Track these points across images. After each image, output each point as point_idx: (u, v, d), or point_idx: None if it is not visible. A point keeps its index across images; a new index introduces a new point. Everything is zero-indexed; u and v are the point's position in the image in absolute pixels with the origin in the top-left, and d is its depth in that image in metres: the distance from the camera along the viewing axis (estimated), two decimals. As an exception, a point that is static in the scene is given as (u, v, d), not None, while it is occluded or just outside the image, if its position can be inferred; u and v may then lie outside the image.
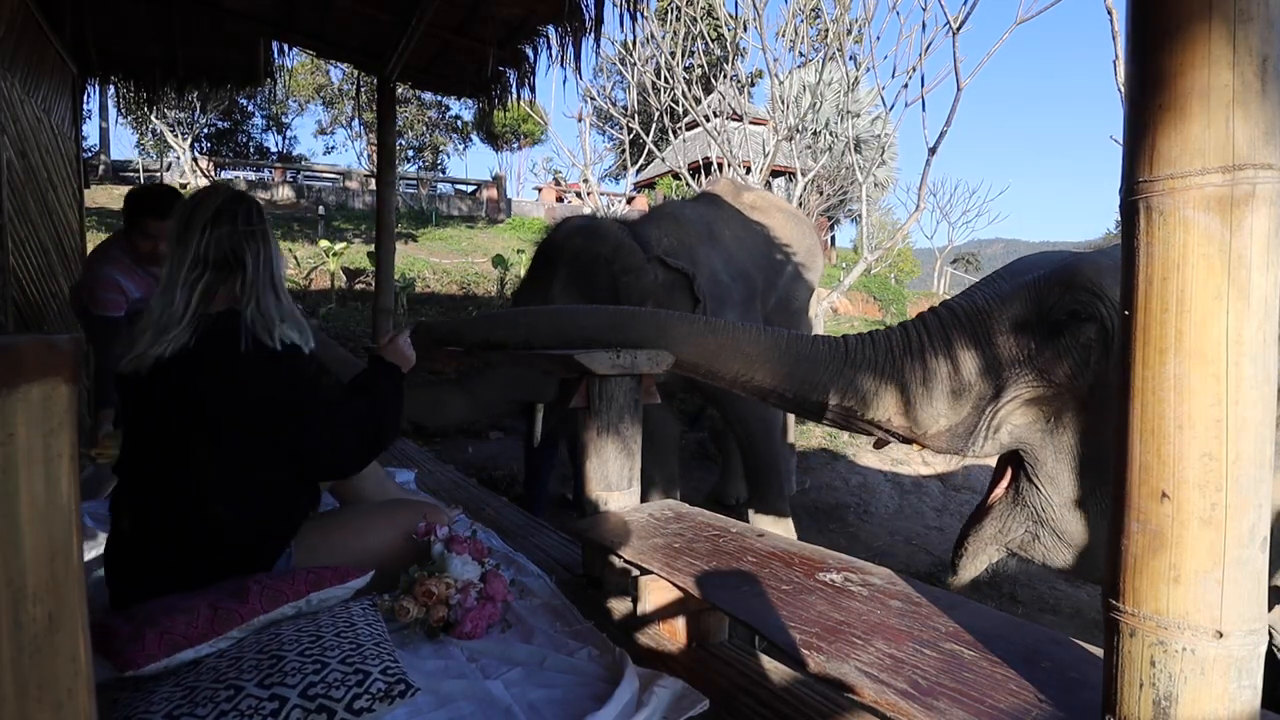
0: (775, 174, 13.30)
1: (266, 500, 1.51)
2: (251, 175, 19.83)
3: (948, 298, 1.88)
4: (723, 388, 1.91)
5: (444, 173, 25.01)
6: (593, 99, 12.86)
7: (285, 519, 1.56)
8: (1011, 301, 1.70)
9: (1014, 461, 1.76)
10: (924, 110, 7.15)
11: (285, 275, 1.59)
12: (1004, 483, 1.80)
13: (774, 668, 1.52)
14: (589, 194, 13.41)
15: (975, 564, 1.83)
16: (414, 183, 20.99)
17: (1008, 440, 1.70)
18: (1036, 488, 1.68)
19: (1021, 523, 1.73)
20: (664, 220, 3.51)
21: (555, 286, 3.13)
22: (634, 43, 10.57)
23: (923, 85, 7.25)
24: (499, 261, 12.33)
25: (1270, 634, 1.51)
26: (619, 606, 1.83)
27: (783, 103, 9.37)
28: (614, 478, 1.92)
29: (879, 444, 1.95)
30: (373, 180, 12.89)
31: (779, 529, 3.63)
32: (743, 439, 3.72)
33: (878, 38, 8.68)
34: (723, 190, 4.16)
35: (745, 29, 10.30)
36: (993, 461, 1.88)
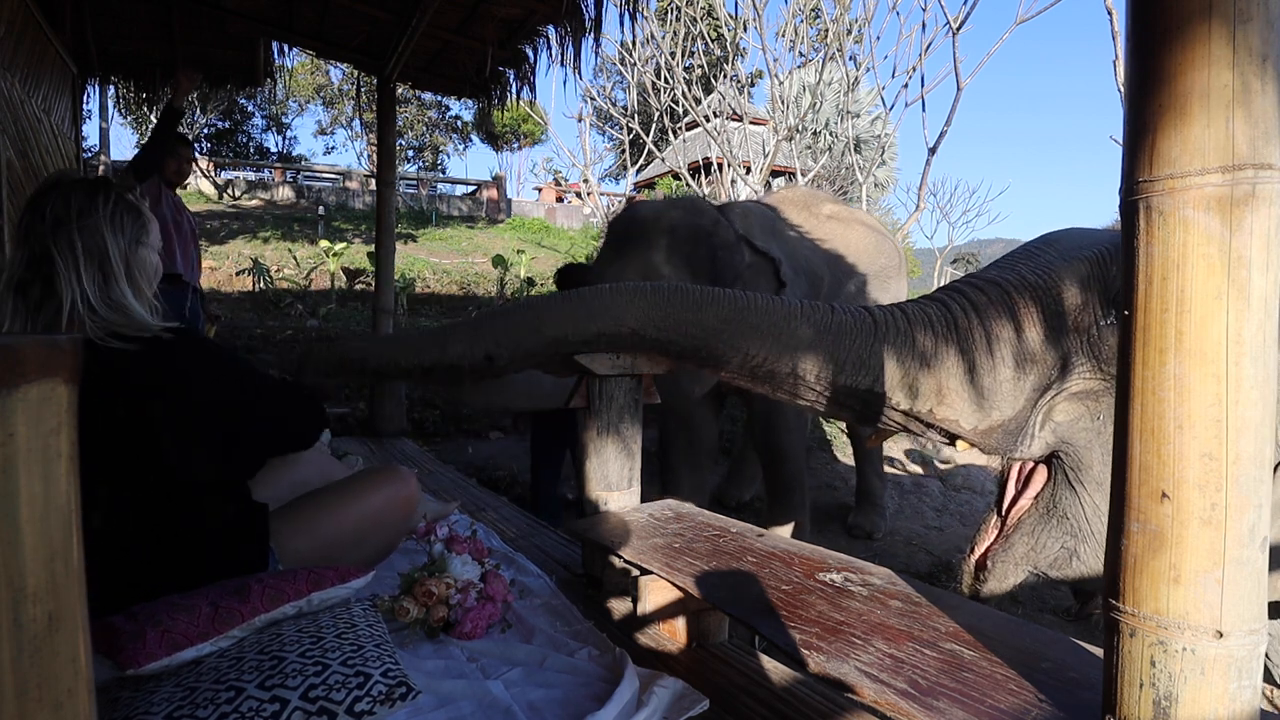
0: (775, 174, 13.31)
1: (219, 500, 1.47)
2: (251, 175, 19.82)
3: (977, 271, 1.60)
4: (732, 380, 1.59)
5: (444, 173, 25.01)
6: (593, 99, 12.87)
7: (256, 517, 1.53)
8: (1068, 278, 1.45)
9: (1043, 465, 1.55)
10: (924, 110, 7.19)
11: (148, 259, 1.40)
12: (1032, 491, 1.57)
13: (774, 668, 1.52)
14: (589, 194, 13.41)
15: (1002, 587, 1.60)
16: (414, 183, 20.99)
17: (1052, 440, 1.48)
18: (1080, 496, 1.47)
19: (1058, 538, 1.51)
20: (733, 208, 3.48)
21: (656, 257, 3.03)
22: (634, 43, 10.58)
23: (923, 85, 7.27)
24: (499, 261, 12.33)
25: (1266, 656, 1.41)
26: (619, 606, 1.83)
27: (783, 103, 9.38)
28: (614, 478, 1.92)
29: (878, 437, 1.70)
30: (373, 180, 12.90)
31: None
32: (767, 442, 3.62)
33: (878, 38, 8.71)
34: (795, 197, 4.08)
35: (745, 29, 10.31)
36: (982, 458, 1.68)
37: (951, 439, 1.53)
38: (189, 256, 3.69)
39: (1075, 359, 1.44)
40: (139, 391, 1.32)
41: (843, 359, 1.45)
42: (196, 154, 3.97)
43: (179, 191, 3.86)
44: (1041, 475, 1.55)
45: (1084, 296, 1.44)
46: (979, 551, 1.64)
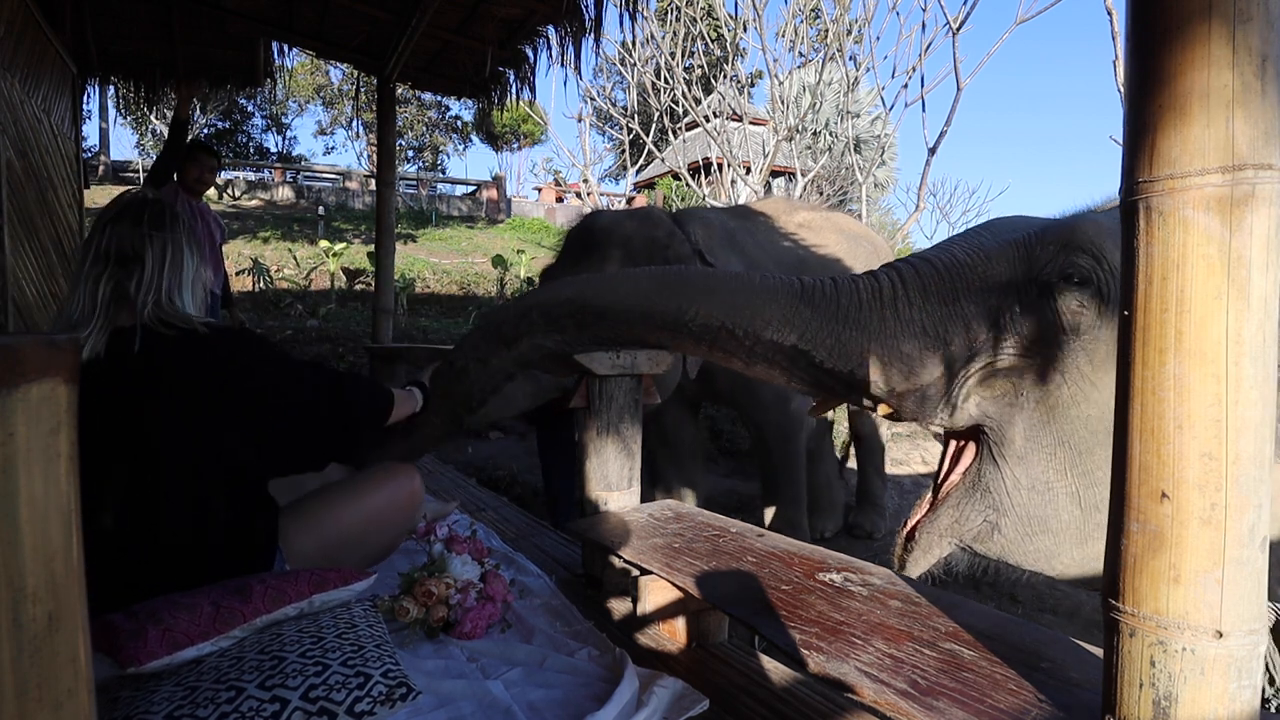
0: (775, 174, 13.31)
1: (235, 497, 1.48)
2: (251, 175, 19.84)
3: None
4: (677, 346, 1.68)
5: (444, 173, 25.03)
6: (593, 99, 12.87)
7: (266, 515, 1.54)
8: (996, 258, 1.54)
9: (973, 442, 1.60)
10: (924, 110, 7.19)
11: (201, 292, 1.57)
12: (961, 466, 1.63)
13: (774, 668, 1.52)
14: (589, 194, 13.42)
15: (926, 559, 1.66)
16: (414, 183, 21.00)
17: (975, 413, 1.53)
18: (1001, 470, 1.51)
19: (980, 511, 1.56)
20: (694, 219, 3.50)
21: (610, 269, 3.05)
22: (634, 43, 10.58)
23: (923, 85, 7.27)
24: (499, 261, 12.34)
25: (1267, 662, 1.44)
26: (619, 606, 1.83)
27: (783, 103, 9.38)
28: (614, 478, 1.92)
29: (819, 408, 1.78)
30: (373, 180, 12.89)
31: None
32: (759, 441, 3.68)
33: (878, 38, 8.71)
34: (766, 207, 4.07)
35: (745, 29, 10.30)
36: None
37: (874, 404, 1.59)
38: (206, 261, 3.76)
39: (999, 336, 1.50)
40: (184, 379, 1.41)
41: (769, 316, 1.53)
42: (219, 160, 4.00)
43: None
44: (971, 452, 1.61)
45: (1009, 276, 1.51)
46: (910, 525, 1.69)
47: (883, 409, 1.59)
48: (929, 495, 1.70)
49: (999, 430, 1.51)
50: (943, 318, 1.52)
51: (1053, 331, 1.46)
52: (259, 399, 1.47)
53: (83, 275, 1.44)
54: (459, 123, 25.08)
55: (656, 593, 1.67)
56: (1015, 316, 1.49)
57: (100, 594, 1.40)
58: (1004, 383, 1.51)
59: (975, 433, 1.57)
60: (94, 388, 1.34)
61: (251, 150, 23.17)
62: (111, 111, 17.21)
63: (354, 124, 23.24)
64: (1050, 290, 1.47)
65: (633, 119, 11.07)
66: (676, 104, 10.10)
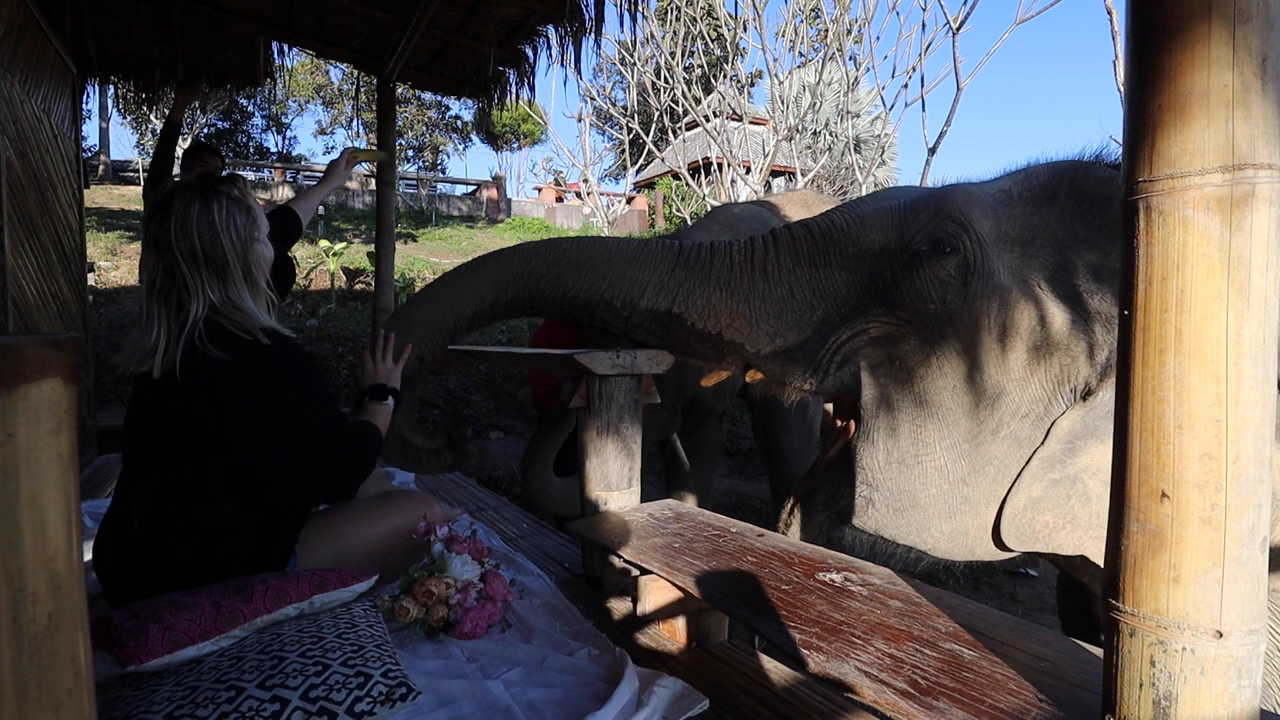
0: (775, 174, 13.30)
1: (271, 503, 1.50)
2: (251, 175, 19.83)
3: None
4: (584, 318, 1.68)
5: (444, 173, 25.03)
6: (593, 99, 12.86)
7: (291, 518, 1.56)
8: (871, 224, 1.53)
9: (853, 413, 1.59)
10: (924, 110, 7.17)
11: (261, 253, 1.51)
12: (842, 440, 1.61)
13: (774, 668, 1.52)
14: (589, 194, 13.41)
15: (806, 529, 1.68)
16: (414, 183, 20.99)
17: (848, 380, 1.52)
18: (874, 443, 1.50)
19: (854, 486, 1.55)
20: (714, 221, 3.51)
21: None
22: (634, 43, 10.57)
23: (923, 85, 7.26)
24: (499, 261, 12.30)
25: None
26: (619, 606, 1.83)
27: (783, 103, 9.37)
28: (614, 478, 1.92)
29: (710, 378, 1.78)
30: (372, 180, 12.89)
31: None
32: (769, 443, 3.64)
33: (878, 38, 8.70)
34: (796, 198, 4.06)
35: (745, 29, 10.29)
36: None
37: (745, 367, 1.59)
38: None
39: (869, 303, 1.50)
40: (232, 390, 1.39)
41: (645, 282, 1.55)
42: (223, 160, 4.01)
43: None
44: (853, 426, 1.59)
45: (882, 244, 1.51)
46: (793, 498, 1.71)
47: (752, 373, 1.59)
48: (813, 469, 1.70)
49: (871, 402, 1.51)
50: (811, 282, 1.52)
51: (921, 301, 1.45)
52: (290, 425, 1.46)
53: (151, 293, 1.42)
54: (459, 122, 25.09)
55: (656, 593, 1.67)
56: (886, 284, 1.49)
57: (116, 589, 1.42)
58: (876, 352, 1.50)
59: (856, 410, 1.56)
60: (169, 394, 1.37)
61: (251, 150, 23.17)
62: (111, 111, 17.22)
63: (354, 124, 23.23)
64: (918, 259, 1.46)
65: (633, 119, 11.07)
66: (676, 104, 10.10)
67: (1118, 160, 1.57)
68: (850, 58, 9.39)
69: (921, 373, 1.45)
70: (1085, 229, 1.45)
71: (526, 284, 1.63)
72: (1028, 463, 1.40)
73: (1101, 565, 1.33)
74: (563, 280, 1.60)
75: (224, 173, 1.94)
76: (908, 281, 1.47)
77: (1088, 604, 1.92)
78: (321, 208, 17.75)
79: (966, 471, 1.44)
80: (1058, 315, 1.41)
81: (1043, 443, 1.40)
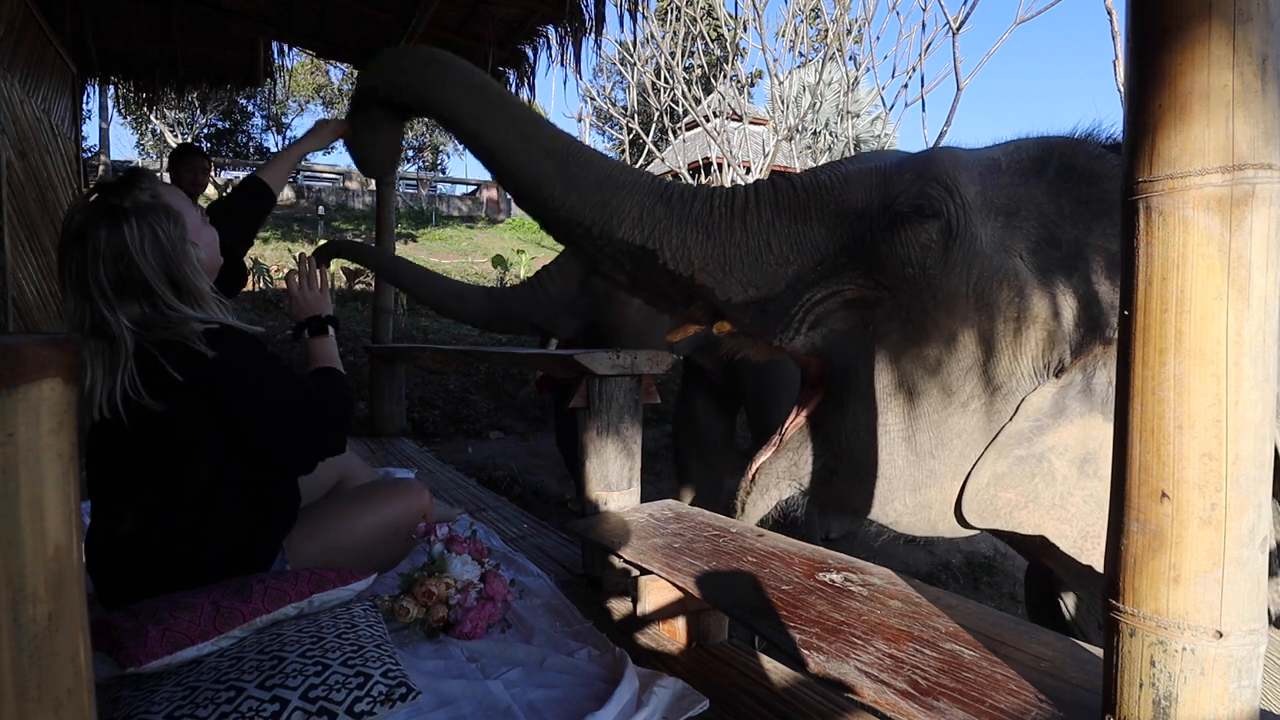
0: (775, 174, 13.28)
1: (254, 499, 1.49)
2: (251, 175, 19.82)
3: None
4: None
5: (444, 173, 25.03)
6: (593, 99, 12.87)
7: (277, 517, 1.55)
8: (855, 182, 1.49)
9: (821, 380, 1.54)
10: (924, 110, 7.16)
11: (193, 255, 1.40)
12: (807, 408, 1.56)
13: (774, 668, 1.52)
14: (589, 194, 13.39)
15: (765, 501, 1.61)
16: (414, 183, 20.99)
17: (821, 343, 1.48)
18: (843, 410, 1.45)
19: (820, 455, 1.50)
20: None
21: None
22: (634, 43, 10.57)
23: (923, 85, 7.25)
24: (499, 261, 12.33)
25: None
26: (619, 606, 1.83)
27: (783, 103, 9.37)
28: (614, 478, 1.92)
29: (678, 333, 1.73)
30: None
31: None
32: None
33: (878, 38, 8.69)
34: None
35: (745, 29, 10.29)
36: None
37: (713, 317, 1.55)
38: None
39: (847, 263, 1.46)
40: (193, 390, 1.34)
41: (625, 212, 1.47)
42: (210, 161, 3.92)
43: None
44: (820, 395, 1.56)
45: (865, 204, 1.47)
46: (754, 466, 1.65)
47: (720, 324, 1.55)
48: (775, 438, 1.64)
49: (844, 366, 1.47)
50: (790, 235, 1.48)
51: (900, 265, 1.41)
52: (256, 411, 1.42)
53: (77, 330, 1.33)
54: (459, 122, 25.06)
55: (656, 593, 1.67)
56: (865, 245, 1.45)
57: (110, 593, 1.42)
58: (850, 315, 1.46)
59: (824, 373, 1.53)
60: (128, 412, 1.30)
61: (251, 150, 23.17)
62: (111, 111, 17.22)
63: (354, 124, 23.21)
64: (901, 221, 1.42)
65: (633, 119, 11.06)
66: (676, 104, 10.09)
67: (1110, 139, 1.56)
68: (850, 58, 9.39)
69: (895, 339, 1.42)
70: (1071, 204, 1.43)
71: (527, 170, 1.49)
72: (994, 438, 1.38)
73: (1059, 547, 1.34)
74: (554, 196, 1.49)
75: (131, 166, 1.80)
76: (888, 244, 1.42)
77: (1053, 592, 1.89)
78: (321, 208, 17.75)
79: (934, 444, 1.40)
80: (1037, 289, 1.37)
81: (1011, 418, 1.37)
